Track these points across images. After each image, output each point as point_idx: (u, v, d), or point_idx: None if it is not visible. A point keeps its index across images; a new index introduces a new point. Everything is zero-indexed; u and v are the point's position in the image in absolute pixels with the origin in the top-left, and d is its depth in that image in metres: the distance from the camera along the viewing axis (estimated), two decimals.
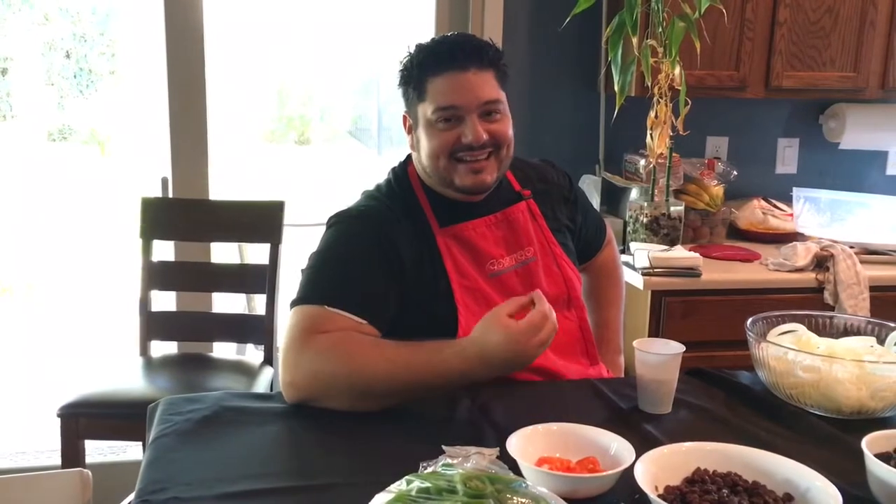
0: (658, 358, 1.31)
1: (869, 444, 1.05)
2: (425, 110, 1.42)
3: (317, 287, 1.37)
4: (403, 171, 1.53)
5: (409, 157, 1.56)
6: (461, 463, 0.86)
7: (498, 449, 0.93)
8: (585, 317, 1.60)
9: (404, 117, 1.50)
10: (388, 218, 1.45)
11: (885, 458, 1.04)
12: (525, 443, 1.08)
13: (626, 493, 1.01)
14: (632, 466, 1.01)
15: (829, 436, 1.24)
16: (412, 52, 1.45)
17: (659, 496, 0.94)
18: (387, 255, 1.40)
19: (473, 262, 1.47)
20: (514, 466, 0.98)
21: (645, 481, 0.96)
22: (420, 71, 1.42)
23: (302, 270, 1.72)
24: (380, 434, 1.22)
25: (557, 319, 1.37)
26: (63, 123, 6.08)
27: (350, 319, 1.32)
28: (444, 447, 0.92)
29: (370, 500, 0.86)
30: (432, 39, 1.47)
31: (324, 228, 1.48)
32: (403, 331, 1.37)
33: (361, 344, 1.29)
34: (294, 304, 1.37)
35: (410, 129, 1.49)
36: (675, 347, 1.34)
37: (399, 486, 0.85)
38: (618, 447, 1.09)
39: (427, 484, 0.83)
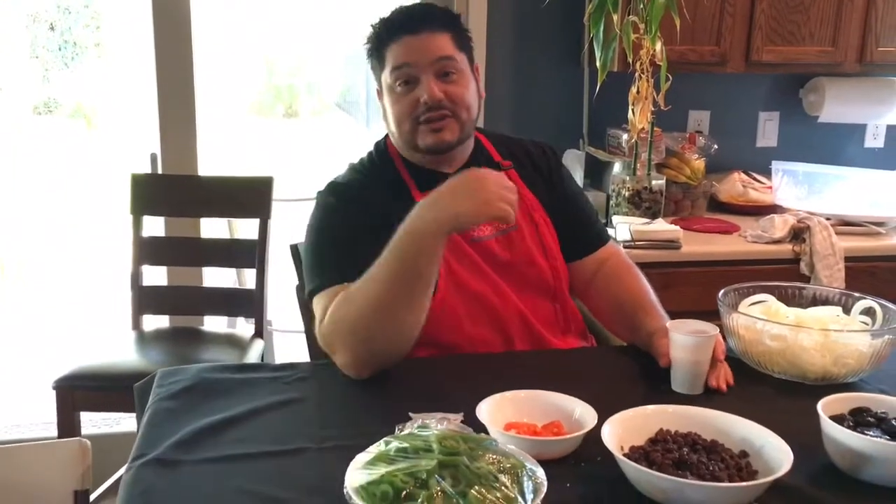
0: (694, 340, 1.29)
1: (824, 406, 1.11)
2: (386, 77, 1.49)
3: (325, 272, 1.41)
4: (384, 144, 1.59)
5: None
6: (434, 425, 0.92)
7: (462, 414, 0.98)
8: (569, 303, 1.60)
9: (378, 91, 1.55)
10: (368, 189, 1.51)
11: (839, 419, 1.10)
12: (494, 409, 1.13)
13: (591, 455, 1.07)
14: (595, 429, 1.06)
15: (792, 400, 1.30)
16: (373, 24, 1.51)
17: (624, 455, 1.00)
18: (373, 223, 1.43)
19: None
20: (480, 431, 1.02)
21: (611, 442, 1.01)
22: (379, 41, 1.49)
23: (291, 247, 1.76)
24: (349, 402, 1.29)
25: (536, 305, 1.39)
26: (48, 96, 6.04)
27: None
28: (410, 414, 0.98)
29: (341, 463, 0.92)
30: (391, 11, 1.52)
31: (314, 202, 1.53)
32: None
33: (351, 288, 1.33)
34: (311, 294, 1.42)
35: (380, 98, 1.54)
36: (708, 328, 1.31)
37: (378, 446, 0.91)
38: (581, 411, 1.14)
39: (405, 444, 0.89)
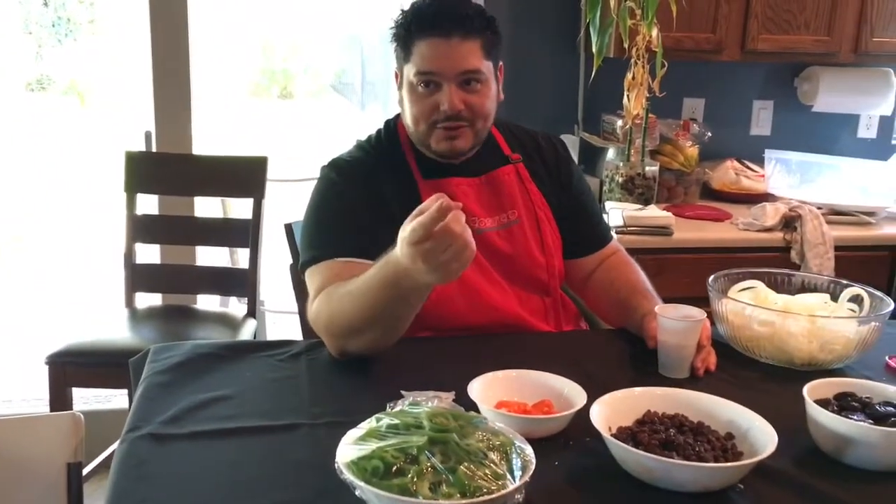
0: (681, 324, 1.31)
1: (810, 390, 1.13)
2: (409, 71, 1.46)
3: (320, 246, 1.42)
4: (394, 125, 1.58)
5: None
6: (425, 403, 0.93)
7: (454, 392, 1.00)
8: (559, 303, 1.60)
9: (396, 73, 1.52)
10: (372, 170, 1.51)
11: (825, 403, 1.11)
12: (485, 387, 1.15)
13: (580, 435, 1.09)
14: (584, 409, 1.08)
15: (779, 385, 1.32)
16: (404, 10, 1.47)
17: (612, 435, 1.01)
18: (374, 203, 1.46)
19: None
20: (471, 410, 1.03)
21: (600, 422, 1.03)
22: (407, 32, 1.45)
23: (286, 226, 1.76)
24: (341, 380, 1.30)
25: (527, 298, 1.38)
26: (41, 73, 5.99)
27: (360, 264, 1.34)
28: (402, 392, 0.99)
29: (333, 438, 0.93)
30: (424, 0, 1.47)
31: (313, 182, 1.53)
32: None
33: (338, 289, 1.32)
34: (304, 266, 1.42)
35: (400, 86, 1.52)
36: (696, 313, 1.33)
37: (369, 423, 0.92)
38: (571, 392, 1.16)
39: (396, 421, 0.90)
